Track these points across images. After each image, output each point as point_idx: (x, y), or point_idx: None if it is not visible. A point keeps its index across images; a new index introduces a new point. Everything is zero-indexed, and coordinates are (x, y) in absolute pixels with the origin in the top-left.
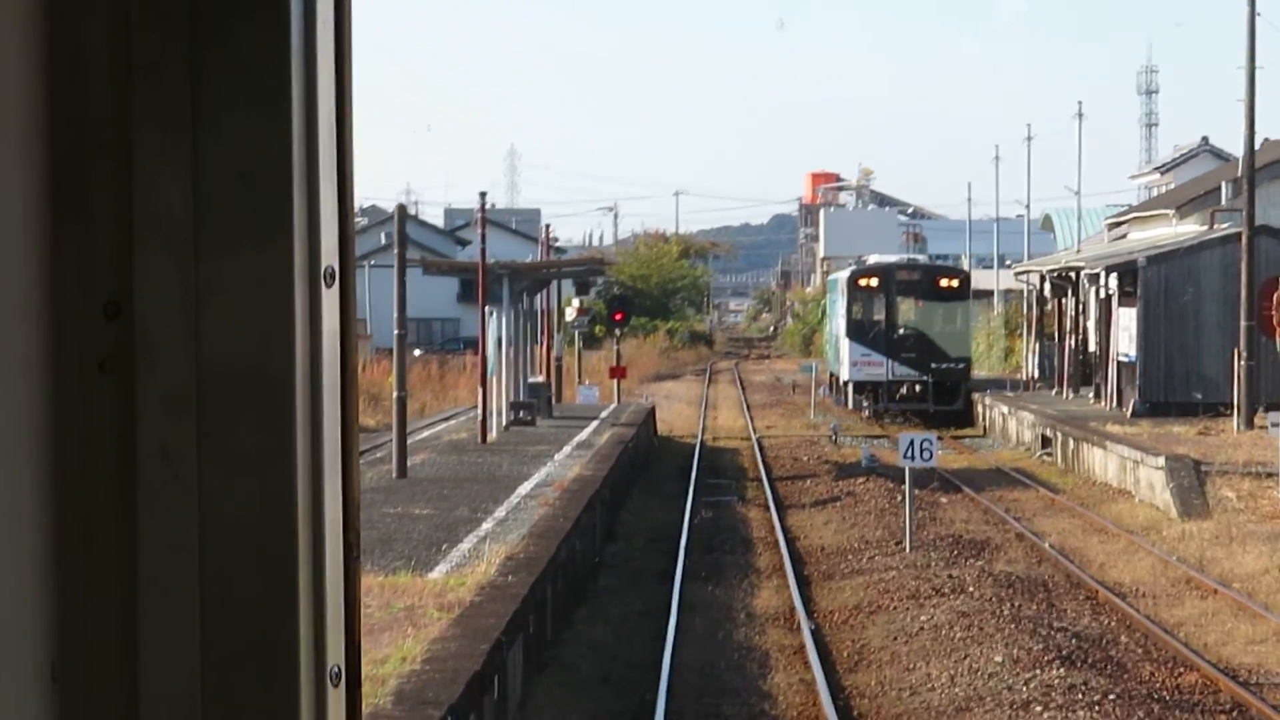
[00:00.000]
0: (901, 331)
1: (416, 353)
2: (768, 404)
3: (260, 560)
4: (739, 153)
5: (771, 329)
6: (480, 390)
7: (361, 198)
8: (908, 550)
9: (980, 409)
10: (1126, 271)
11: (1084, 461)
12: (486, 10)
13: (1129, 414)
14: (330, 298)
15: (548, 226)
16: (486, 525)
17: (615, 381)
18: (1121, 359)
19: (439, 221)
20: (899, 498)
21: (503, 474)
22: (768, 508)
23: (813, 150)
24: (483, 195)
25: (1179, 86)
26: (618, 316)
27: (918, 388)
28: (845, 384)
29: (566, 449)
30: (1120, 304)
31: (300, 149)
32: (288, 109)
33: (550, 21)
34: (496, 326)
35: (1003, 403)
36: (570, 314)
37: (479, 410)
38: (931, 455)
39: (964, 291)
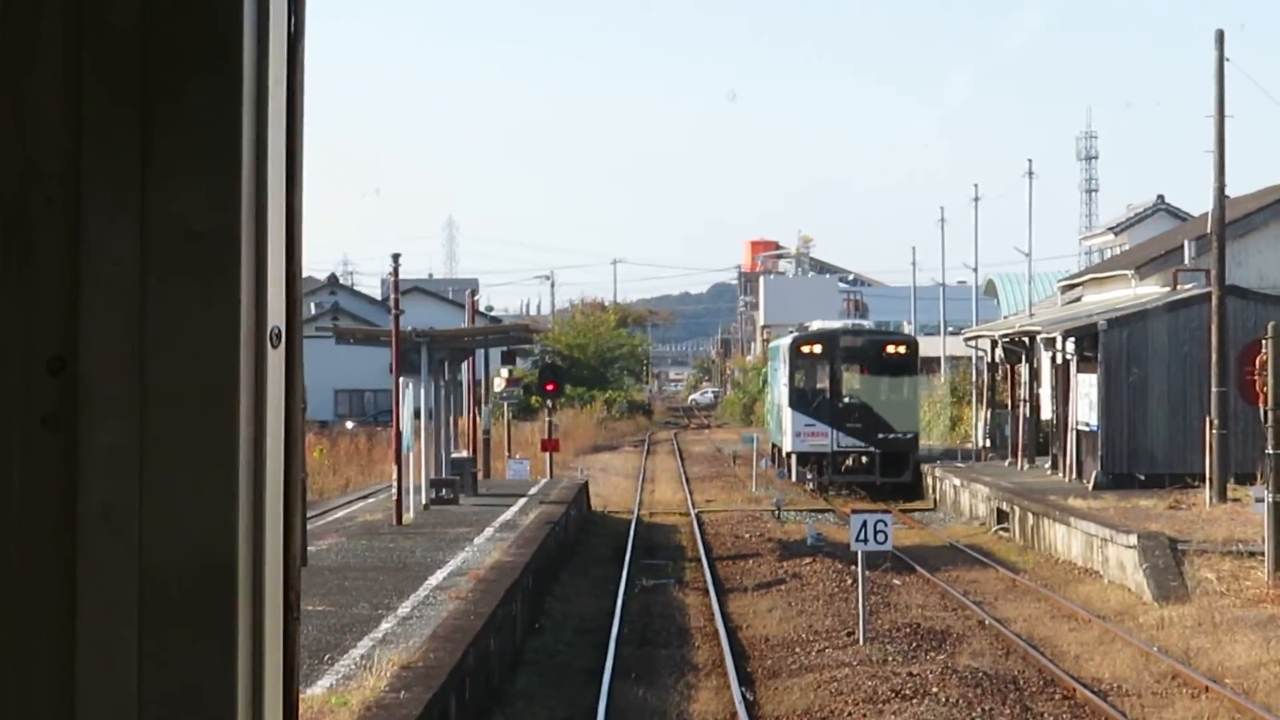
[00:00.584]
0: (846, 400)
1: (349, 425)
2: (708, 476)
3: (199, 620)
4: (678, 220)
5: (715, 398)
6: (395, 468)
7: None
8: (861, 642)
9: (930, 480)
10: (1086, 335)
11: (1045, 538)
12: (425, 76)
13: (1091, 486)
14: (276, 358)
15: (472, 292)
16: (386, 625)
17: (547, 455)
18: (1081, 428)
19: (375, 293)
20: (849, 580)
21: (415, 561)
22: (707, 592)
23: (753, 216)
24: (396, 258)
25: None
26: (549, 387)
27: (864, 459)
28: (788, 455)
29: (489, 530)
30: (1079, 369)
31: (249, 208)
32: (237, 168)
33: (491, 90)
34: (414, 398)
35: (954, 474)
36: (499, 384)
37: (394, 489)
38: (886, 537)
39: (911, 359)
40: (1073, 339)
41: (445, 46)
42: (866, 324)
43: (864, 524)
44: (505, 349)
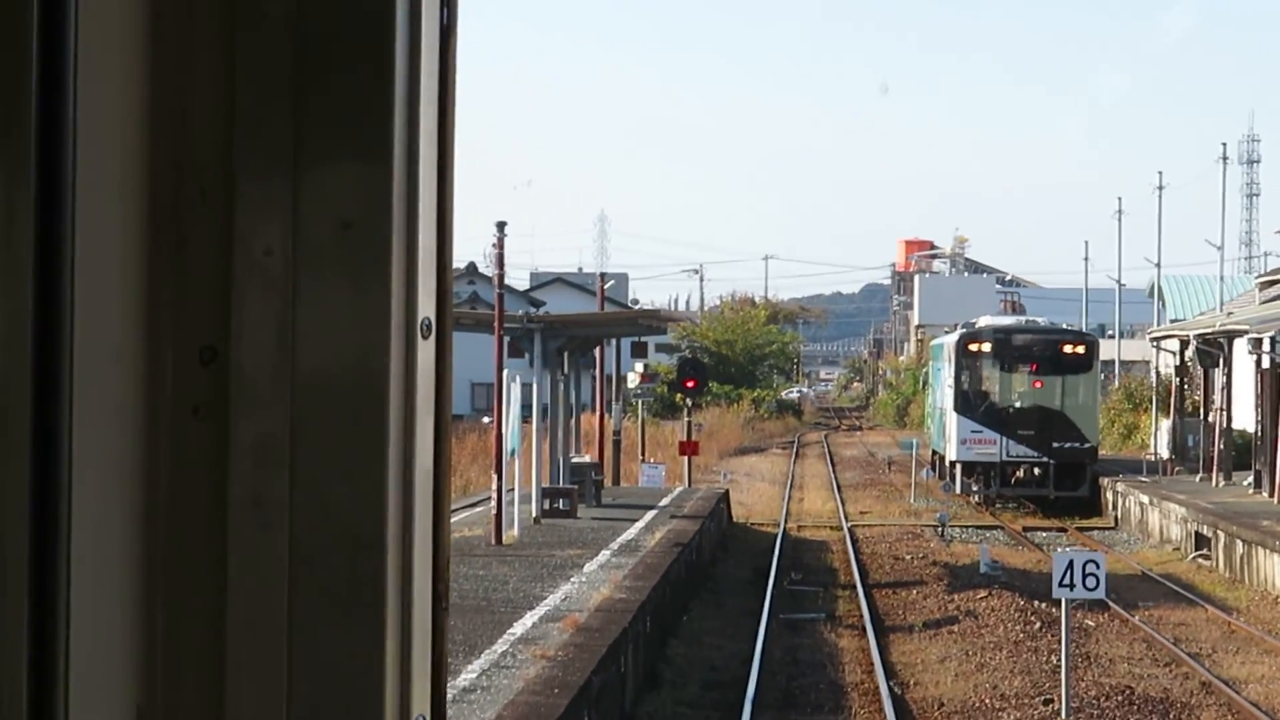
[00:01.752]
0: (1018, 405)
1: (484, 420)
2: (861, 483)
3: (349, 609)
4: (830, 221)
5: (867, 399)
6: (495, 477)
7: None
8: (1064, 715)
9: (1109, 495)
10: None
11: (1260, 571)
12: (581, 74)
13: None
14: (426, 349)
15: (601, 275)
16: None
17: (686, 459)
18: None
19: (524, 284)
20: (1036, 623)
21: (503, 597)
22: (863, 632)
23: (905, 218)
24: (501, 226)
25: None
26: (690, 383)
27: (1036, 470)
28: (952, 464)
29: (604, 554)
30: None
31: (400, 200)
32: (389, 160)
33: (644, 87)
34: (521, 393)
35: (1138, 490)
36: (632, 379)
37: (494, 501)
38: (1099, 583)
39: (1090, 360)
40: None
41: (600, 46)
42: (1041, 320)
43: (1069, 565)
44: (635, 339)
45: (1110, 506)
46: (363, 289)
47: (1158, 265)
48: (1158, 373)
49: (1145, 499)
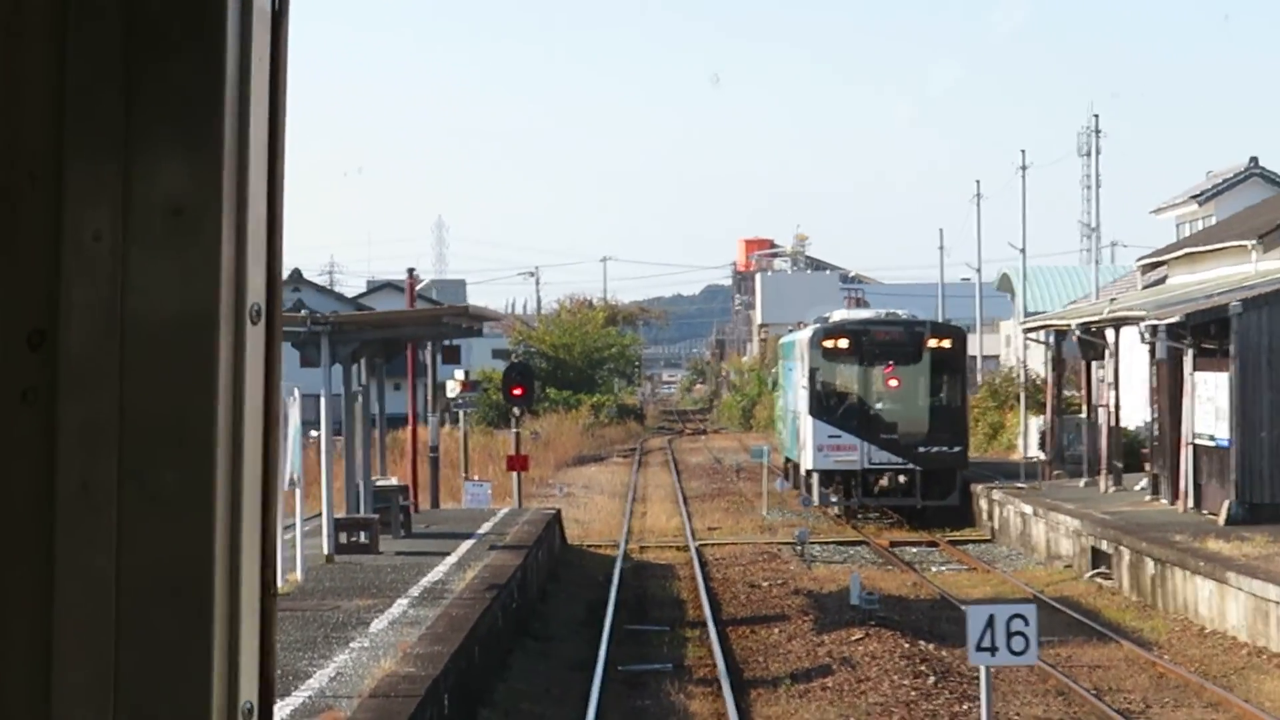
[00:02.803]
0: (880, 406)
1: (313, 434)
2: (708, 494)
3: (176, 596)
4: (669, 222)
5: (710, 401)
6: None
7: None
8: None
9: (983, 504)
10: (1210, 321)
11: (1177, 595)
12: (414, 77)
13: (1222, 520)
14: (255, 335)
15: (411, 271)
16: None
17: (515, 474)
18: (1202, 442)
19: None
20: (926, 672)
21: None
22: (718, 689)
23: (744, 218)
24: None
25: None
26: (516, 391)
27: (901, 478)
28: (808, 473)
29: (402, 603)
30: (1197, 367)
31: (230, 186)
32: (219, 146)
33: (479, 91)
34: (300, 409)
35: (1019, 499)
36: (451, 388)
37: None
38: (1028, 645)
39: (958, 354)
40: (1187, 327)
41: (430, 46)
42: (902, 313)
43: (989, 623)
44: (445, 342)
45: (985, 516)
46: (192, 274)
47: (1022, 251)
48: (1025, 367)
49: (1027, 509)
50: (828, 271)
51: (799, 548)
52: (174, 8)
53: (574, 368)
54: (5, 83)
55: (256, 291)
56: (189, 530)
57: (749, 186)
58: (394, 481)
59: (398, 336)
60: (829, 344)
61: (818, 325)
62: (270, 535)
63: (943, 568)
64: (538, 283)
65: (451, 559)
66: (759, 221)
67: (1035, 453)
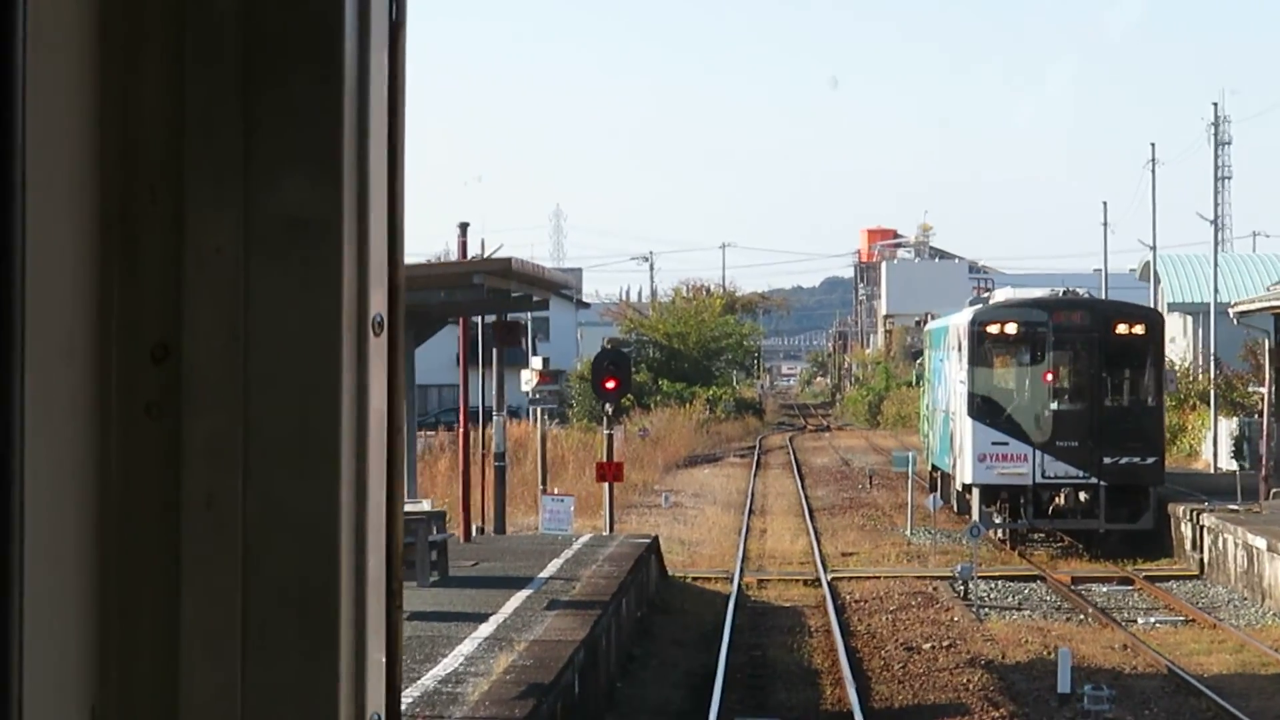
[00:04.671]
0: (1057, 407)
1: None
2: (838, 505)
3: (302, 608)
4: (789, 214)
5: (832, 395)
6: None
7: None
8: None
9: (1186, 529)
10: None
11: None
12: (536, 72)
13: None
14: (378, 346)
15: (464, 226)
16: None
17: (606, 486)
18: None
19: None
20: None
21: None
22: None
23: (865, 210)
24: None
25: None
26: (608, 384)
27: (1082, 495)
28: (965, 488)
29: None
30: None
31: (351, 198)
32: (339, 158)
33: (596, 82)
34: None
35: (1240, 525)
36: (527, 379)
37: None
38: None
39: (1153, 343)
40: None
41: (548, 40)
42: (1082, 291)
43: None
44: (499, 316)
45: (1188, 545)
46: (314, 287)
47: (1153, 247)
48: (1216, 360)
49: (1259, 542)
50: (956, 260)
51: (961, 585)
52: (292, 21)
53: (689, 358)
54: (125, 98)
55: (379, 303)
56: (314, 542)
57: (870, 178)
58: (425, 506)
59: (422, 307)
60: (993, 329)
61: (978, 307)
62: (395, 546)
63: (1152, 619)
64: (651, 268)
65: (487, 628)
66: (880, 213)
67: (1227, 463)
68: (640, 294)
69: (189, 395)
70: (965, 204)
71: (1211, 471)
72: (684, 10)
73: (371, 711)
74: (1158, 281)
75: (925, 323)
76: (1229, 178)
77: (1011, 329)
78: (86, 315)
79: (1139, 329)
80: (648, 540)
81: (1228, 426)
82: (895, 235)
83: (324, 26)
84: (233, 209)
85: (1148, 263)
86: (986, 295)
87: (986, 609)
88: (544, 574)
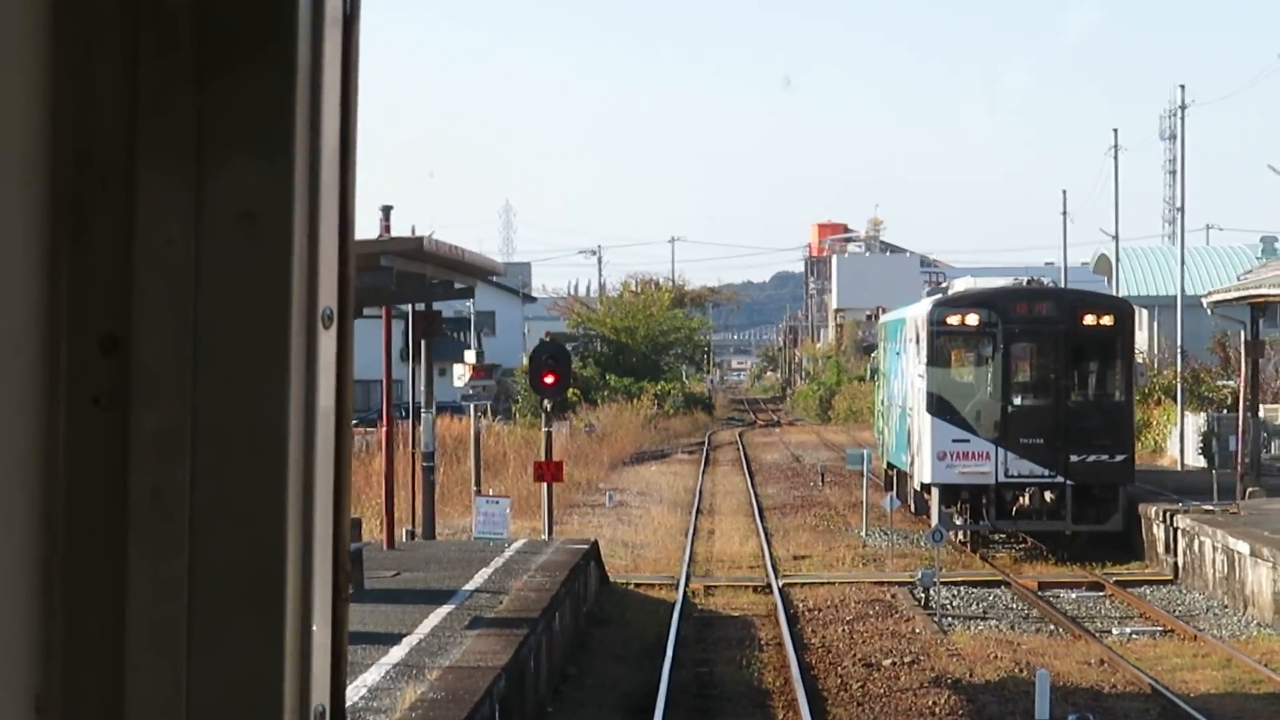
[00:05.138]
0: (1021, 402)
1: None
2: (790, 504)
3: (249, 600)
4: (739, 210)
5: (783, 389)
6: None
7: None
8: None
9: (1157, 531)
10: None
11: None
12: (488, 67)
13: None
14: (328, 339)
15: (387, 210)
16: None
17: (545, 486)
18: None
19: None
20: None
21: None
22: None
23: (815, 205)
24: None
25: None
26: (547, 379)
27: (1047, 495)
28: (923, 488)
29: None
30: None
31: (303, 190)
32: (291, 151)
33: (551, 78)
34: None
35: (1218, 528)
36: (460, 374)
37: None
38: None
39: (1121, 334)
40: None
41: (497, 33)
42: (1046, 280)
43: None
44: (425, 305)
45: (1160, 547)
46: (264, 279)
47: (1115, 237)
48: (1183, 352)
49: (1240, 545)
50: (907, 254)
51: (922, 593)
52: (245, 13)
53: (637, 352)
54: (76, 88)
55: (328, 295)
56: (261, 535)
57: (820, 174)
58: None
59: None
60: (953, 320)
61: (938, 297)
62: (342, 540)
63: (1127, 629)
64: (599, 261)
65: (399, 652)
66: (830, 208)
67: (1195, 459)
68: (589, 288)
69: (138, 387)
70: (915, 199)
71: (1179, 469)
72: (636, 5)
73: (316, 703)
74: (1116, 272)
75: (877, 316)
76: (1174, 171)
77: (972, 320)
78: (35, 307)
79: (1107, 320)
80: (586, 546)
81: (1195, 422)
82: (845, 229)
83: (277, 19)
84: (184, 200)
85: (1103, 255)
86: (945, 286)
87: (950, 618)
88: (470, 585)
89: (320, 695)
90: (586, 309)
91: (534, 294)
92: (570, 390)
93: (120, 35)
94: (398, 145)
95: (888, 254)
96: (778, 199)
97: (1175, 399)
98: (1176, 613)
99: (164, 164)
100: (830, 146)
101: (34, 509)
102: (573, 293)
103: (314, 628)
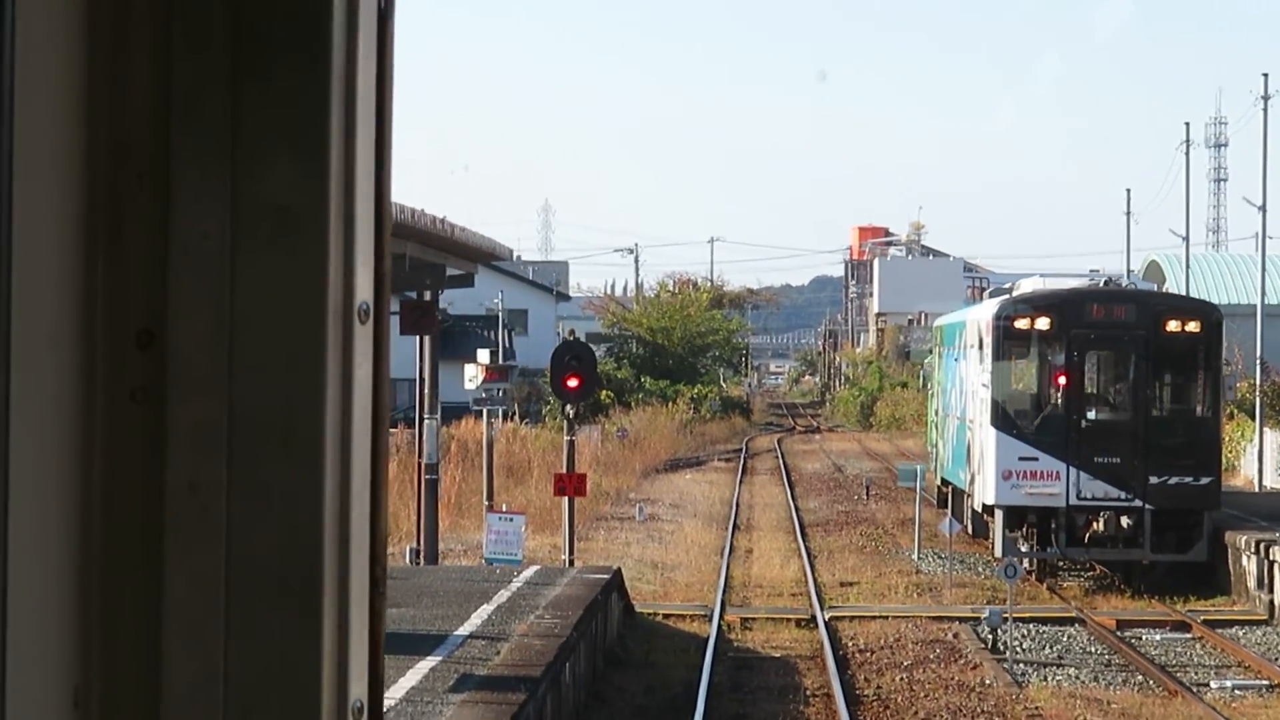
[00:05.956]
0: (1095, 416)
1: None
2: (833, 521)
3: (285, 594)
4: (778, 212)
5: (822, 394)
6: None
7: None
8: None
9: (1247, 563)
10: None
11: None
12: (527, 64)
13: None
14: (364, 334)
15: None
16: None
17: (566, 501)
18: None
19: None
20: None
21: None
22: None
23: (855, 211)
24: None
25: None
26: (569, 382)
27: (1124, 520)
28: (985, 509)
29: None
30: None
31: (338, 185)
32: (326, 145)
33: (591, 76)
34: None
35: None
36: (471, 376)
37: None
38: None
39: (1209, 343)
40: None
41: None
42: (1126, 282)
43: None
44: (417, 293)
45: (1251, 581)
46: (300, 274)
47: (1185, 238)
48: (1263, 365)
49: None
50: (950, 258)
51: (990, 635)
52: (280, 9)
53: (673, 354)
54: (112, 83)
55: (364, 290)
56: (297, 529)
57: (860, 176)
58: None
59: None
60: (1021, 324)
61: (1003, 299)
62: (379, 534)
63: (1227, 682)
64: (636, 260)
65: None
66: (871, 211)
67: (1274, 479)
68: (625, 288)
69: (174, 381)
70: (956, 203)
71: (1256, 489)
72: (676, 4)
73: (354, 699)
74: (1186, 277)
75: (920, 321)
76: (1225, 180)
77: (1043, 324)
78: (72, 302)
79: (1193, 326)
80: (607, 576)
81: (1275, 439)
82: (887, 233)
83: (312, 15)
84: (220, 196)
85: (1154, 261)
86: (1009, 286)
87: (1022, 665)
88: (463, 630)
89: (358, 689)
90: (622, 308)
91: (570, 293)
92: (604, 392)
93: (155, 33)
94: (437, 142)
95: (930, 258)
96: (818, 202)
97: (1250, 413)
98: (1272, 654)
99: (199, 159)
100: (870, 150)
101: (71, 503)
102: (609, 292)
103: (351, 622)
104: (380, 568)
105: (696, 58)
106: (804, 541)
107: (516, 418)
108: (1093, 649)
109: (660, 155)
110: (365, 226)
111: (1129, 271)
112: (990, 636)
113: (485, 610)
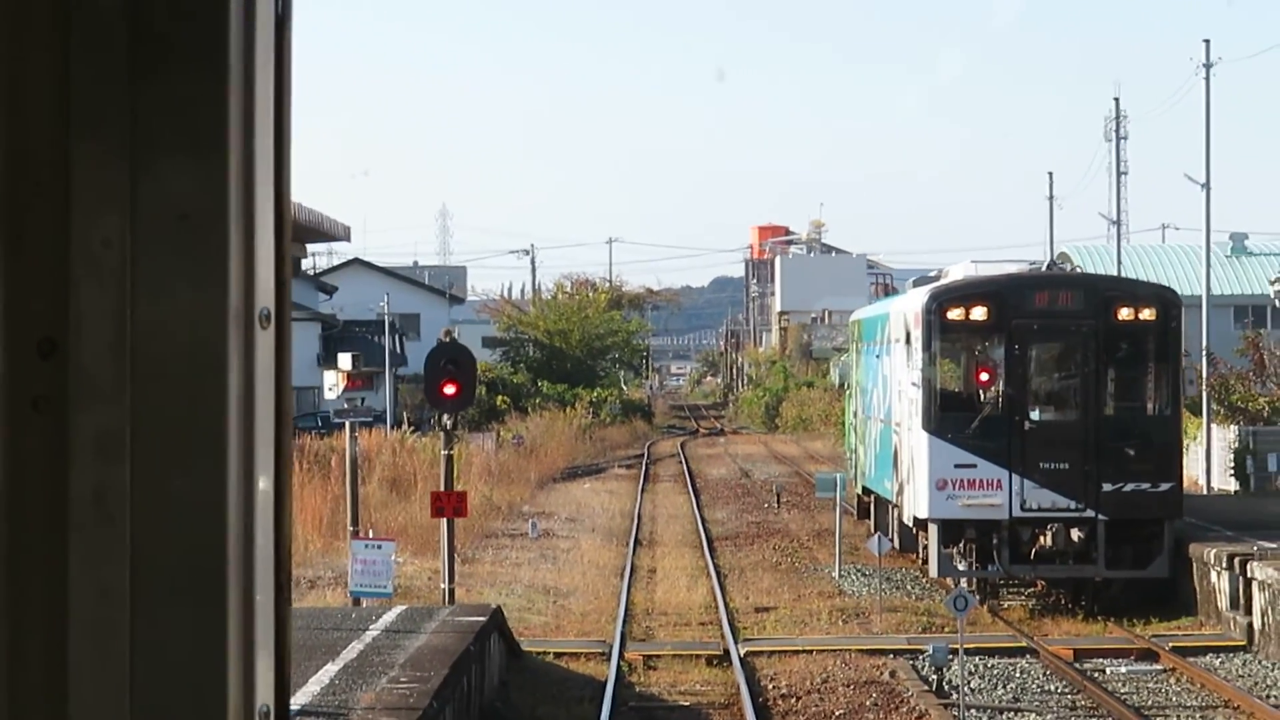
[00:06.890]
0: (1040, 417)
1: None
2: (743, 534)
3: (191, 602)
4: (677, 212)
5: (725, 395)
6: None
7: None
8: None
9: (1217, 580)
10: None
11: None
12: (427, 69)
13: None
14: (265, 340)
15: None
16: None
17: (444, 525)
18: None
19: None
20: None
21: None
22: None
23: (754, 209)
24: None
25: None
26: (446, 388)
27: (1074, 533)
28: (918, 523)
29: None
30: None
31: (238, 191)
32: (225, 150)
33: (488, 78)
34: None
35: None
36: (330, 384)
37: None
38: None
39: (1167, 333)
40: None
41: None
42: (1069, 266)
43: None
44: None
45: (1225, 600)
46: (201, 280)
47: (1116, 221)
48: (1209, 356)
49: None
50: (853, 255)
51: (937, 674)
52: (177, 15)
53: (572, 357)
54: (10, 92)
55: (266, 295)
56: (202, 536)
57: (758, 176)
58: None
59: None
60: (955, 314)
61: (933, 287)
62: (284, 539)
63: None
64: (533, 261)
65: None
66: (770, 212)
67: (1222, 480)
68: (523, 290)
69: (76, 390)
70: (857, 201)
71: (1204, 492)
72: (573, 4)
73: (260, 704)
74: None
75: (824, 319)
76: (1126, 173)
77: (980, 314)
78: None
79: (1148, 313)
80: (484, 618)
81: (1224, 436)
82: (787, 232)
83: (209, 20)
84: (120, 203)
85: (1063, 253)
86: (935, 275)
87: (974, 711)
88: (296, 703)
89: (265, 695)
90: (518, 311)
91: (464, 296)
92: (499, 398)
93: (52, 38)
94: (336, 147)
95: (832, 255)
96: (717, 201)
97: (1195, 410)
98: (1270, 697)
99: (98, 165)
100: (770, 149)
101: None
102: (505, 295)
103: (257, 628)
104: (285, 574)
105: (595, 58)
106: (712, 558)
107: (405, 425)
108: (1051, 686)
109: (560, 158)
110: (265, 231)
111: (1052, 262)
112: (937, 673)
113: (328, 672)
